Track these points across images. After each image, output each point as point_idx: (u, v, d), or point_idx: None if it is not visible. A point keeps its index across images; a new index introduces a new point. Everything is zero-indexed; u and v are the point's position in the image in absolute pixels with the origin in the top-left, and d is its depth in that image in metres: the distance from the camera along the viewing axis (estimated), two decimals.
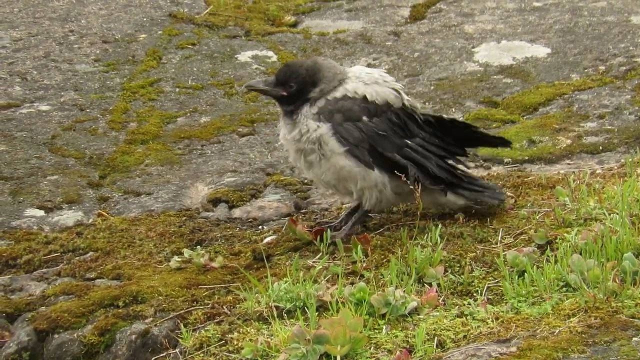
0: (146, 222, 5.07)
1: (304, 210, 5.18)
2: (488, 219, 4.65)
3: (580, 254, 4.07)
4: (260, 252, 4.58)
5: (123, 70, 6.84)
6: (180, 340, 4.04)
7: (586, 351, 3.54)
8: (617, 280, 3.88)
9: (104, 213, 5.21)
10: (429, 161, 4.60)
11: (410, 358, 3.66)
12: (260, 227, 5.04)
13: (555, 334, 3.67)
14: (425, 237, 4.45)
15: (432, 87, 6.53)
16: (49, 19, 7.62)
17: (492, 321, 3.83)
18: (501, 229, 4.54)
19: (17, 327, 4.33)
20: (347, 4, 8.01)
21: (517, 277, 4.06)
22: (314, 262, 4.44)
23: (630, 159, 5.03)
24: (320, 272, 4.28)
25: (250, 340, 3.85)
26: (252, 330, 3.96)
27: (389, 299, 3.92)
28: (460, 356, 3.60)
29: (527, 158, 5.55)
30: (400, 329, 3.85)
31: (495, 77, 6.61)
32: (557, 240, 4.32)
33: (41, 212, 5.25)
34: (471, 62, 6.86)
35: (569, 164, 5.46)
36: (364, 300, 3.94)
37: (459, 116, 6.10)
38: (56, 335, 4.23)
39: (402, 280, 4.12)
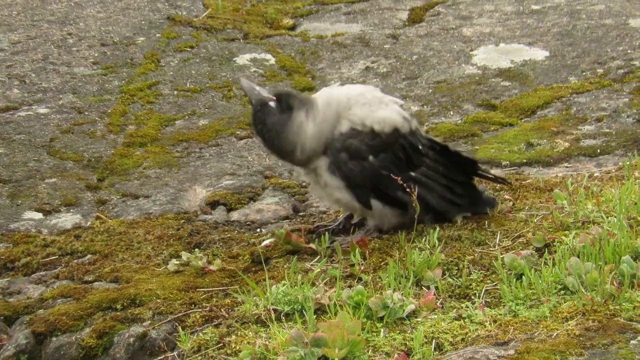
0: (144, 224, 5.07)
1: (302, 213, 5.18)
2: (486, 222, 4.65)
3: (578, 257, 4.07)
4: (259, 255, 4.59)
5: (121, 73, 6.85)
6: (178, 343, 4.04)
7: (584, 354, 3.54)
8: (615, 283, 3.88)
9: (102, 216, 5.21)
10: (432, 194, 4.59)
11: None
12: (258, 230, 5.04)
13: (553, 337, 3.67)
14: (423, 240, 4.45)
15: (430, 90, 6.54)
16: (47, 22, 7.62)
17: (490, 324, 3.83)
18: (499, 232, 4.54)
19: (15, 330, 4.33)
20: (345, 7, 8.01)
21: (515, 280, 4.06)
22: (312, 265, 4.44)
23: (628, 162, 5.04)
24: (318, 275, 4.28)
25: (248, 343, 3.85)
26: (250, 333, 3.96)
27: (387, 302, 3.92)
28: (458, 359, 3.60)
29: (525, 161, 5.55)
30: (398, 331, 3.85)
31: (493, 80, 6.61)
32: (555, 243, 4.32)
33: (39, 215, 5.25)
34: (469, 65, 6.86)
35: (567, 166, 5.47)
36: (362, 303, 3.94)
37: (456, 120, 6.11)
38: (54, 338, 4.22)
39: (400, 283, 4.12)
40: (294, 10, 8.02)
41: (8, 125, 6.13)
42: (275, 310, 4.02)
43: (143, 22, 7.63)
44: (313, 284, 4.16)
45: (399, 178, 4.41)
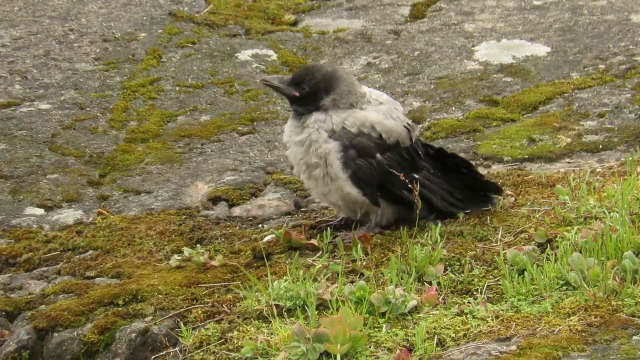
0: (146, 220, 5.07)
1: (304, 209, 5.18)
2: (488, 218, 4.65)
3: (580, 252, 4.06)
4: (260, 251, 4.58)
5: (123, 69, 6.84)
6: (180, 338, 4.04)
7: (586, 350, 3.54)
8: (617, 279, 3.88)
9: (103, 211, 5.21)
10: (435, 195, 4.64)
11: (410, 357, 3.65)
12: (260, 225, 5.04)
13: (555, 332, 3.67)
14: (425, 235, 4.45)
15: (432, 86, 6.53)
16: (49, 18, 7.62)
17: (492, 320, 3.83)
18: (501, 228, 4.54)
19: (17, 326, 4.33)
20: (347, 3, 8.01)
21: (517, 275, 4.06)
22: (314, 260, 4.44)
23: (630, 158, 5.03)
24: (320, 270, 4.28)
25: (250, 338, 3.85)
26: (252, 328, 3.96)
27: (389, 297, 3.92)
28: (460, 355, 3.60)
29: (527, 156, 5.55)
30: (400, 327, 3.85)
31: (495, 75, 6.61)
32: (557, 239, 4.32)
33: (41, 211, 5.25)
34: (471, 60, 6.86)
35: (569, 162, 5.46)
36: (364, 299, 3.93)
37: (458, 115, 6.11)
38: (56, 334, 4.23)
39: (402, 278, 4.12)
40: (295, 6, 8.01)
41: (10, 121, 6.13)
42: (277, 306, 4.02)
43: (145, 18, 7.63)
44: (315, 280, 4.16)
45: (402, 175, 4.46)
